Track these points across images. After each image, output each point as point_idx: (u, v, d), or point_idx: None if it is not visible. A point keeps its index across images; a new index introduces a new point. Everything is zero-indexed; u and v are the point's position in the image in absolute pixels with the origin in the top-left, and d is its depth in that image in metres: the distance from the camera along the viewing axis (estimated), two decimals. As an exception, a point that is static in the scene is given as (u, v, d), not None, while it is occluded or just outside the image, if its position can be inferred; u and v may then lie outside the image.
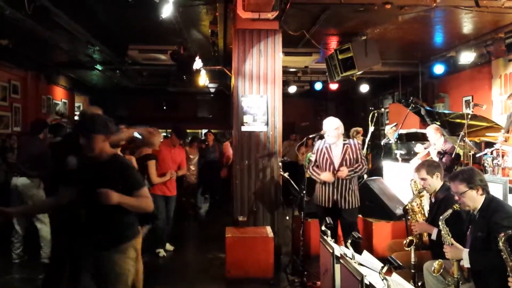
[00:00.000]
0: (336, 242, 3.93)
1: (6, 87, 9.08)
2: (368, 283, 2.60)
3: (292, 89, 12.03)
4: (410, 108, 7.81)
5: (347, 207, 4.97)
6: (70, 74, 12.09)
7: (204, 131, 13.42)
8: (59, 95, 11.78)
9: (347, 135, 7.29)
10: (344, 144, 5.06)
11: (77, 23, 6.77)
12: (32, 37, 7.00)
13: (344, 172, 4.93)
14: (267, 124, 5.87)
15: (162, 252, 6.26)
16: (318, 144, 5.20)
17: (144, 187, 3.13)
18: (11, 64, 9.07)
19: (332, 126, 5.03)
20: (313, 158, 7.58)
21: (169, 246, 6.45)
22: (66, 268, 3.74)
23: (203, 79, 10.02)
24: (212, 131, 10.66)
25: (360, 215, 5.71)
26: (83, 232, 3.15)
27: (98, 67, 10.08)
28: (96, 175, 3.03)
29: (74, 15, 6.44)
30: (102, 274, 3.09)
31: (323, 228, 3.73)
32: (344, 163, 4.99)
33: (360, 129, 8.81)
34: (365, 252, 3.29)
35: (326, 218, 3.96)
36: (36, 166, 5.50)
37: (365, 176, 6.73)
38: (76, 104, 13.22)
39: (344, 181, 4.97)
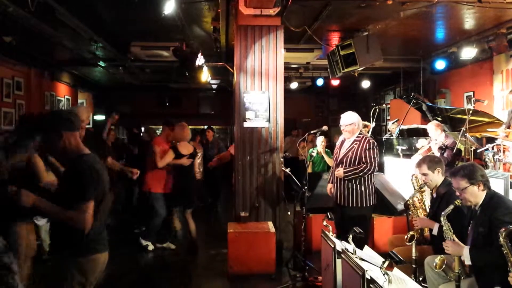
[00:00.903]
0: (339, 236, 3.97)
1: (10, 83, 9.11)
2: (369, 277, 2.63)
3: (294, 85, 12.04)
4: (411, 104, 7.82)
5: (344, 204, 4.91)
6: (73, 70, 12.11)
7: (206, 127, 13.42)
8: (62, 92, 11.81)
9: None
10: (353, 141, 4.95)
11: (80, 20, 6.80)
12: (35, 34, 7.03)
13: (339, 172, 4.87)
14: (269, 120, 5.90)
15: (150, 246, 6.35)
16: (340, 138, 5.23)
17: (86, 202, 2.67)
18: (15, 61, 9.10)
19: (346, 121, 4.98)
20: (314, 154, 7.62)
21: (170, 245, 6.53)
22: None
23: (205, 76, 10.02)
24: (213, 127, 10.64)
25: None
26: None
27: (101, 64, 10.10)
28: (62, 174, 2.95)
29: (77, 12, 6.46)
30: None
31: (325, 223, 3.77)
32: (344, 160, 4.93)
33: (367, 123, 8.83)
34: (366, 247, 3.32)
35: (328, 213, 4.00)
36: None
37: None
38: (79, 101, 13.25)
39: (343, 179, 4.89)
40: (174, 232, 6.69)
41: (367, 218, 5.02)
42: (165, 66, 10.21)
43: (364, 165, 4.81)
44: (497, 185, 4.57)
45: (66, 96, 12.04)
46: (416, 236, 3.75)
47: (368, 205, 4.88)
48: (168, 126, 6.60)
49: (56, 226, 2.85)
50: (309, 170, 7.25)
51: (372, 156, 4.84)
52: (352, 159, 4.88)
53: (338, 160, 5.02)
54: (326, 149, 8.14)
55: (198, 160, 9.01)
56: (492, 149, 5.92)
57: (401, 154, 7.39)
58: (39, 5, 5.40)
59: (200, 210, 9.39)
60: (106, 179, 2.87)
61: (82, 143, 2.92)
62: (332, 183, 5.18)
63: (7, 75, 9.03)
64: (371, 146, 4.88)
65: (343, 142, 5.13)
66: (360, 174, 4.82)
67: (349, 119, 4.97)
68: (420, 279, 3.80)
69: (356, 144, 4.92)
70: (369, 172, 4.84)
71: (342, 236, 4.68)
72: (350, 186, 4.87)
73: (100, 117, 14.33)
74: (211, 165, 9.03)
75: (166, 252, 6.39)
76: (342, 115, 5.07)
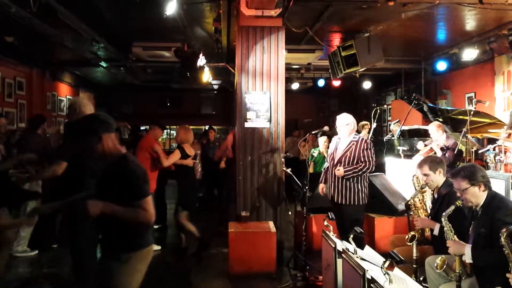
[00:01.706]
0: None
1: (12, 83, 9.14)
2: (370, 277, 2.63)
3: (295, 85, 12.04)
4: (412, 104, 7.82)
5: (342, 202, 5.00)
6: (75, 71, 12.14)
7: (207, 127, 13.45)
8: (64, 92, 11.84)
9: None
10: (350, 142, 5.08)
11: (82, 20, 6.81)
12: (37, 35, 7.04)
13: (340, 171, 4.96)
14: (270, 120, 5.91)
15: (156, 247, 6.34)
16: (333, 139, 5.35)
17: (146, 198, 2.78)
18: (17, 61, 9.12)
19: (343, 121, 5.13)
20: (315, 154, 7.64)
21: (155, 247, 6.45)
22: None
23: (206, 76, 10.04)
24: (214, 127, 10.66)
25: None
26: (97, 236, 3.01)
27: (103, 64, 10.11)
28: (102, 177, 2.86)
29: (79, 12, 6.48)
30: (98, 281, 2.89)
31: (325, 223, 3.78)
32: (342, 159, 5.03)
33: (367, 123, 8.85)
34: (367, 247, 3.32)
35: (329, 213, 4.02)
36: (37, 162, 5.53)
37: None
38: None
39: (340, 177, 5.00)
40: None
41: (362, 217, 5.18)
42: (166, 67, 10.23)
43: (363, 164, 4.96)
44: (498, 186, 4.57)
45: (68, 96, 12.06)
46: (417, 236, 3.75)
47: (363, 203, 5.07)
48: (157, 125, 6.64)
49: (112, 227, 2.80)
50: (310, 170, 7.29)
51: (370, 156, 5.01)
52: (351, 159, 5.01)
53: (336, 160, 5.10)
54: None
55: (196, 161, 9.05)
56: (493, 150, 5.92)
57: (402, 155, 7.39)
58: (41, 5, 5.42)
59: (199, 210, 9.44)
60: None
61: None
62: (325, 183, 5.33)
63: (9, 75, 9.05)
64: (369, 146, 5.06)
65: (338, 142, 5.23)
66: (360, 173, 4.97)
67: (346, 120, 5.13)
68: (421, 279, 3.80)
69: (353, 144, 5.05)
70: (368, 171, 5.02)
71: (341, 235, 4.75)
72: (348, 185, 4.99)
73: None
74: (218, 157, 9.06)
75: (166, 251, 6.39)
76: (337, 116, 5.23)
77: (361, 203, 5.02)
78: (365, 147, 5.01)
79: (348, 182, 4.98)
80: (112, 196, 2.72)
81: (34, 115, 6.65)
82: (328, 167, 5.37)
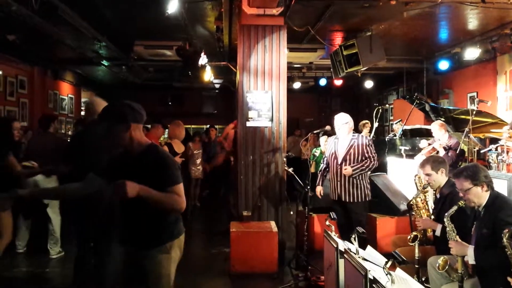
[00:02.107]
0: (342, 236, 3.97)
1: (13, 82, 9.15)
2: (372, 278, 2.62)
3: (297, 85, 12.03)
4: (414, 104, 7.80)
5: (350, 201, 5.07)
6: (77, 69, 12.15)
7: (208, 126, 13.45)
8: (66, 91, 11.85)
9: (356, 128, 7.34)
10: (351, 139, 5.15)
11: (83, 19, 6.80)
12: (38, 33, 7.03)
13: (348, 170, 5.02)
14: (271, 119, 5.90)
15: None
16: (330, 140, 5.40)
17: (179, 184, 2.74)
18: (18, 59, 9.13)
19: (341, 120, 5.18)
20: (317, 153, 7.61)
21: None
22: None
23: (208, 75, 10.04)
24: (216, 126, 10.66)
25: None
26: (118, 228, 2.93)
27: (104, 63, 10.12)
28: (129, 167, 2.75)
29: (80, 11, 6.47)
30: (142, 274, 2.79)
31: (327, 222, 3.77)
32: (347, 158, 5.08)
33: (367, 122, 8.84)
34: (369, 247, 3.31)
35: (331, 212, 4.01)
36: (50, 161, 5.50)
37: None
38: (83, 100, 13.28)
39: (347, 176, 5.05)
40: None
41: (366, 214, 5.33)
42: (168, 65, 10.23)
43: (369, 161, 5.08)
44: (500, 186, 4.56)
45: (69, 95, 12.07)
46: (419, 236, 3.74)
47: (369, 199, 5.21)
48: (159, 124, 6.64)
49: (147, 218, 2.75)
50: (312, 169, 7.28)
51: (373, 151, 5.15)
52: (355, 156, 5.08)
53: (340, 159, 5.13)
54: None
55: (197, 160, 9.05)
56: (496, 149, 5.89)
57: (404, 155, 7.38)
58: (42, 4, 5.41)
59: (200, 209, 9.45)
60: None
61: None
62: (322, 184, 5.36)
63: (11, 73, 9.06)
64: (370, 142, 5.19)
65: (337, 142, 5.26)
66: (366, 170, 5.10)
67: (344, 119, 5.20)
68: (423, 279, 3.79)
69: (354, 142, 5.13)
70: (373, 167, 5.13)
71: (346, 234, 4.75)
72: (355, 182, 5.07)
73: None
74: (218, 162, 9.04)
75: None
76: (335, 116, 5.29)
77: (367, 199, 5.17)
78: (367, 143, 5.13)
79: (355, 179, 5.06)
80: (145, 184, 2.62)
81: (43, 115, 6.62)
82: (324, 169, 5.44)
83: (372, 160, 5.07)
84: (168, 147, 5.90)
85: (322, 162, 5.60)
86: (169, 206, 2.73)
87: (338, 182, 5.12)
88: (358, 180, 5.08)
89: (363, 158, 5.07)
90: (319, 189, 5.43)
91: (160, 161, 2.74)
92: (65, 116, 11.67)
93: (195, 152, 9.01)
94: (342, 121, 5.18)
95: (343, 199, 5.10)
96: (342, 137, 5.20)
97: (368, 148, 5.09)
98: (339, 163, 5.12)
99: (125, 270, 2.92)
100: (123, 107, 2.78)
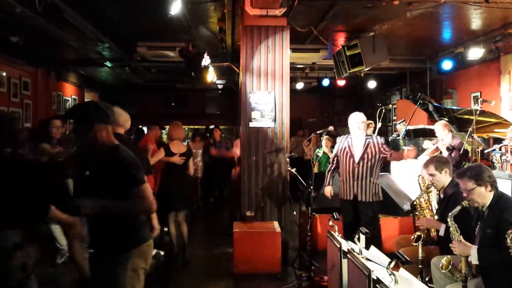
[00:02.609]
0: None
1: (17, 83, 9.17)
2: (375, 278, 2.63)
3: (300, 85, 12.02)
4: (418, 104, 7.79)
5: (367, 200, 5.05)
6: (80, 71, 12.17)
7: (212, 128, 13.46)
8: (69, 92, 11.87)
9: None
10: (366, 139, 5.15)
11: (86, 20, 6.83)
12: (42, 35, 7.06)
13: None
14: (274, 120, 5.90)
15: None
16: (340, 139, 5.35)
17: (141, 185, 2.68)
18: (22, 61, 9.15)
19: (360, 119, 5.16)
20: (320, 154, 7.60)
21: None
22: None
23: (211, 76, 10.05)
24: (220, 127, 10.67)
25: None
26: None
27: (108, 64, 10.14)
28: (93, 169, 2.75)
29: (83, 12, 6.49)
30: (92, 284, 2.77)
31: (331, 223, 3.76)
32: (365, 156, 5.07)
33: (371, 122, 8.83)
34: (372, 247, 3.31)
35: (334, 213, 4.00)
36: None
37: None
38: (86, 100, 13.32)
39: (365, 173, 5.05)
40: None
41: None
42: (171, 66, 10.25)
43: (391, 153, 5.20)
44: (504, 186, 4.55)
45: (73, 96, 12.10)
46: (422, 236, 3.74)
47: (381, 199, 5.23)
48: (157, 125, 6.66)
49: (113, 224, 2.69)
50: (315, 170, 7.27)
51: (388, 148, 5.23)
52: (373, 155, 5.09)
53: (357, 158, 5.09)
54: (332, 149, 8.13)
55: (196, 159, 9.05)
56: (500, 149, 5.87)
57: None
58: (46, 5, 5.43)
59: (200, 210, 9.44)
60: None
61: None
62: (346, 178, 5.20)
63: (15, 75, 9.08)
64: (384, 141, 5.22)
65: (350, 142, 5.20)
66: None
67: (363, 117, 5.20)
68: (427, 279, 3.78)
69: (370, 141, 5.15)
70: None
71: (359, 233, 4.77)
72: (372, 181, 5.08)
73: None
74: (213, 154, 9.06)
75: (169, 250, 6.38)
76: (352, 115, 5.23)
77: (381, 199, 5.20)
78: (383, 142, 5.18)
79: (372, 179, 5.07)
80: (106, 189, 2.63)
81: (45, 118, 6.64)
82: (334, 169, 5.39)
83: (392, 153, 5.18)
84: (164, 148, 5.85)
85: (330, 162, 5.57)
86: (135, 211, 2.71)
87: (355, 182, 5.08)
88: (374, 179, 5.08)
89: (381, 156, 5.12)
90: (329, 189, 5.39)
91: (118, 164, 2.68)
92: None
93: (193, 151, 9.01)
94: (362, 119, 5.16)
95: (359, 199, 5.07)
96: (357, 136, 5.16)
97: (384, 146, 5.13)
98: (356, 162, 5.09)
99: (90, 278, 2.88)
100: (88, 107, 2.80)
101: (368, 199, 5.06)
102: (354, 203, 5.11)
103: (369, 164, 5.06)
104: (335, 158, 5.38)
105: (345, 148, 5.21)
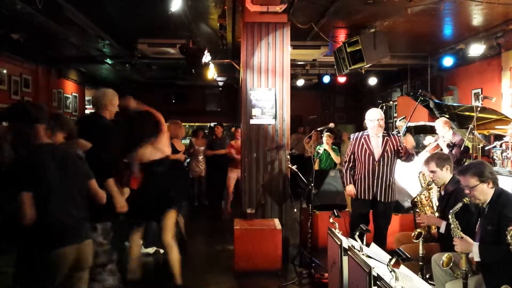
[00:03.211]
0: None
1: (18, 81, 9.18)
2: (376, 275, 2.62)
3: (300, 82, 12.00)
4: (418, 101, 7.77)
5: (386, 200, 4.98)
6: (81, 68, 12.17)
7: (212, 124, 13.46)
8: (70, 89, 11.88)
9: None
10: (384, 136, 5.04)
11: (87, 17, 6.82)
12: (43, 32, 7.06)
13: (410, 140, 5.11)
14: (275, 117, 5.89)
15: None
16: (355, 136, 5.20)
17: (21, 194, 2.66)
18: (22, 58, 9.16)
19: (378, 115, 5.03)
20: (321, 151, 7.58)
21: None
22: None
23: (211, 73, 10.04)
24: (223, 124, 10.65)
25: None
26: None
27: (108, 61, 10.14)
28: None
29: (84, 9, 6.49)
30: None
31: (331, 220, 3.76)
32: (385, 154, 4.98)
33: None
34: (373, 244, 3.31)
35: (334, 210, 4.00)
36: None
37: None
38: (87, 98, 13.31)
39: (385, 173, 4.97)
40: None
41: None
42: (171, 63, 10.24)
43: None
44: (505, 183, 4.55)
45: (74, 93, 12.10)
46: (423, 233, 3.74)
47: (396, 199, 5.25)
48: None
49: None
50: (316, 167, 7.27)
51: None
52: (393, 153, 5.02)
53: (377, 156, 4.98)
54: (333, 146, 8.12)
55: (200, 157, 9.05)
56: (500, 146, 5.87)
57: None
58: (46, 2, 5.42)
59: (205, 207, 9.45)
60: (52, 169, 2.77)
61: None
62: (365, 177, 5.03)
63: (15, 72, 9.09)
64: (400, 138, 5.13)
65: (367, 139, 5.07)
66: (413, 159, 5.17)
67: (381, 113, 5.08)
68: (427, 276, 3.78)
69: (387, 138, 5.04)
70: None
71: (377, 234, 4.82)
72: (392, 180, 5.03)
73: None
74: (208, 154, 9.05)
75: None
76: (372, 110, 5.13)
77: (395, 199, 5.19)
78: (400, 139, 5.08)
79: (391, 178, 5.02)
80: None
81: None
82: (351, 167, 5.18)
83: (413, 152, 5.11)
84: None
85: (346, 161, 5.28)
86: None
87: (375, 181, 4.96)
88: (392, 177, 5.03)
89: (399, 154, 5.02)
90: (351, 188, 5.11)
91: (14, 165, 2.78)
92: (69, 114, 11.69)
93: (196, 147, 9.00)
94: (381, 115, 5.03)
95: (378, 199, 4.96)
96: (374, 134, 5.03)
97: (401, 142, 5.05)
98: (376, 160, 4.98)
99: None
100: (23, 107, 2.87)
101: (387, 199, 4.97)
102: (371, 203, 4.99)
103: (389, 162, 4.98)
104: (352, 156, 5.17)
105: (362, 145, 5.05)
